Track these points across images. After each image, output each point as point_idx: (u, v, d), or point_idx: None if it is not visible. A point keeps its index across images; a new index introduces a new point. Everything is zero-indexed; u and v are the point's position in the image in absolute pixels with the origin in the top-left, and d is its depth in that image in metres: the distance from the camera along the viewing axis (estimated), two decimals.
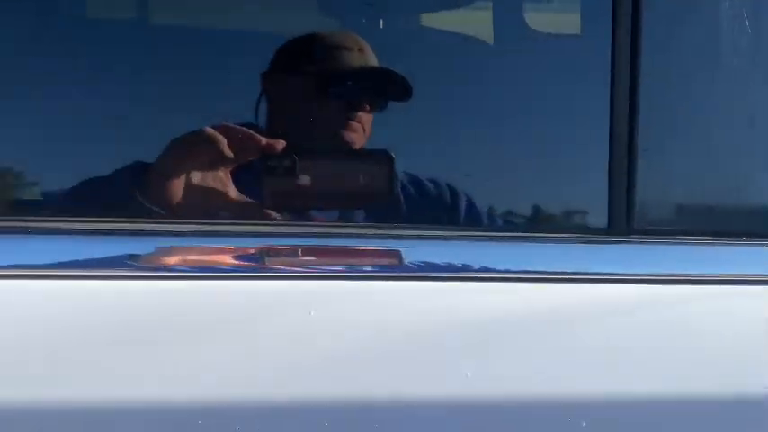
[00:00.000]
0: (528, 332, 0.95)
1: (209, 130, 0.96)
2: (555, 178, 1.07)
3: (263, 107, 1.03)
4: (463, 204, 1.06)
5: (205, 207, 0.97)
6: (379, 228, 1.00)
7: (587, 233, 1.04)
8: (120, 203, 0.94)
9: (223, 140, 0.96)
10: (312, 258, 0.94)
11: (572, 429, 0.92)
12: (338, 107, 1.06)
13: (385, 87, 1.06)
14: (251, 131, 0.97)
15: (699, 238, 1.02)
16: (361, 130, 1.06)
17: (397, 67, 1.04)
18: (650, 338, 0.97)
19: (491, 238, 1.02)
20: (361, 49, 1.06)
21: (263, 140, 0.96)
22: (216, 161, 0.96)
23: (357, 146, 1.06)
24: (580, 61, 1.07)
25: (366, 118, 1.06)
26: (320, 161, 0.99)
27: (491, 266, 0.99)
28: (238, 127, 0.97)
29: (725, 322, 1.00)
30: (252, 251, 0.92)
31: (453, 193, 1.07)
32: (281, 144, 0.96)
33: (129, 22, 1.18)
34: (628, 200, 1.00)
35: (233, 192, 0.97)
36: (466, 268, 0.98)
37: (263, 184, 0.97)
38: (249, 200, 0.98)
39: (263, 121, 1.03)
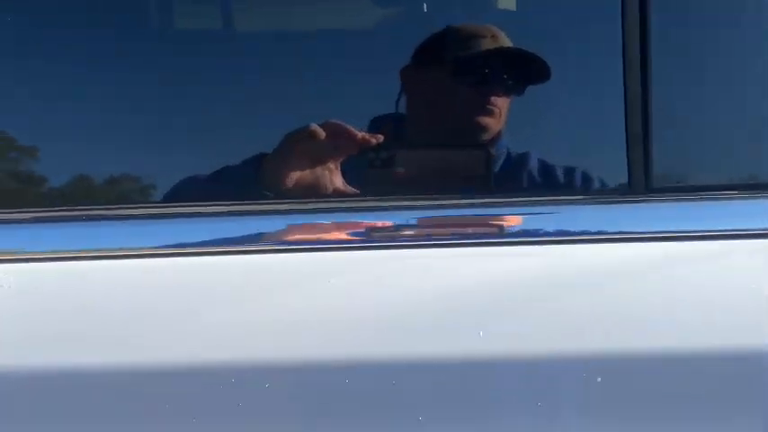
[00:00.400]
0: (551, 292, 0.99)
1: (313, 126, 1.05)
2: (575, 141, 1.09)
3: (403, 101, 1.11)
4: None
5: (313, 193, 1.06)
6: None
7: (609, 194, 1.06)
8: (245, 189, 1.05)
9: (322, 135, 1.05)
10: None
11: (588, 384, 0.96)
12: (473, 93, 1.12)
13: (521, 69, 1.10)
14: (349, 128, 1.05)
15: (719, 194, 1.03)
16: (498, 114, 1.11)
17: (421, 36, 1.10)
18: (674, 294, 0.99)
19: (512, 203, 1.05)
20: (494, 36, 1.10)
21: (359, 135, 1.05)
22: (320, 153, 1.05)
23: (493, 129, 1.11)
24: (593, 25, 1.08)
25: (501, 101, 1.11)
26: (417, 154, 1.07)
27: (521, 231, 1.03)
28: (339, 123, 1.06)
29: (748, 277, 1.00)
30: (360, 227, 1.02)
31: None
32: (376, 138, 1.05)
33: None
34: (645, 159, 1.02)
35: (339, 181, 1.06)
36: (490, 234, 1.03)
37: (364, 175, 1.07)
38: (353, 189, 1.06)
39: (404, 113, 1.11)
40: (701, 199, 1.03)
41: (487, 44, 1.10)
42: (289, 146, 1.06)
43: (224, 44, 1.22)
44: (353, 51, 1.14)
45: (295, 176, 1.05)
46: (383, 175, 1.06)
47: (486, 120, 1.11)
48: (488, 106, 1.11)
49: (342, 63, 1.13)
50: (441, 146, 1.09)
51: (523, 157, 1.11)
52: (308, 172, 1.05)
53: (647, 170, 1.02)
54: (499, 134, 1.12)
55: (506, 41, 1.10)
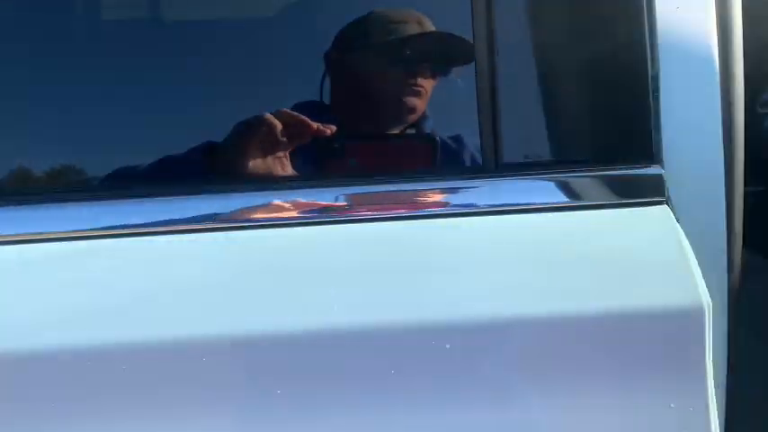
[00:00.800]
0: (423, 263, 1.08)
1: (267, 116, 1.09)
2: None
3: (327, 86, 1.14)
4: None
5: (263, 180, 1.10)
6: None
7: (464, 172, 1.13)
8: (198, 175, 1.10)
9: (278, 125, 1.10)
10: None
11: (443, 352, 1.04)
12: (399, 76, 1.17)
13: (444, 51, 1.16)
14: (304, 118, 1.09)
15: (563, 169, 1.10)
16: (424, 94, 1.17)
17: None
18: (522, 262, 1.07)
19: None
20: (419, 22, 1.16)
21: (314, 126, 1.10)
22: (273, 143, 1.09)
23: (419, 109, 1.17)
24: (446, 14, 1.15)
25: (427, 82, 1.17)
26: (367, 142, 1.14)
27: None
28: (294, 113, 1.10)
29: (590, 245, 1.08)
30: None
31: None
32: (330, 129, 1.10)
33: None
34: (494, 139, 1.09)
35: (289, 169, 1.11)
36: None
37: (317, 163, 1.12)
38: (302, 178, 1.12)
39: (327, 98, 1.14)
40: (547, 175, 1.10)
41: (413, 29, 1.16)
42: (242, 135, 1.10)
43: (152, 34, 1.26)
44: (274, 38, 1.18)
45: (248, 165, 1.09)
46: (336, 164, 1.12)
47: (413, 100, 1.17)
48: (416, 87, 1.17)
49: (263, 50, 1.16)
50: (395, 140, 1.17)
51: (457, 140, 1.16)
52: (260, 161, 1.09)
53: (497, 149, 1.10)
54: (425, 114, 1.18)
55: (431, 27, 1.16)
